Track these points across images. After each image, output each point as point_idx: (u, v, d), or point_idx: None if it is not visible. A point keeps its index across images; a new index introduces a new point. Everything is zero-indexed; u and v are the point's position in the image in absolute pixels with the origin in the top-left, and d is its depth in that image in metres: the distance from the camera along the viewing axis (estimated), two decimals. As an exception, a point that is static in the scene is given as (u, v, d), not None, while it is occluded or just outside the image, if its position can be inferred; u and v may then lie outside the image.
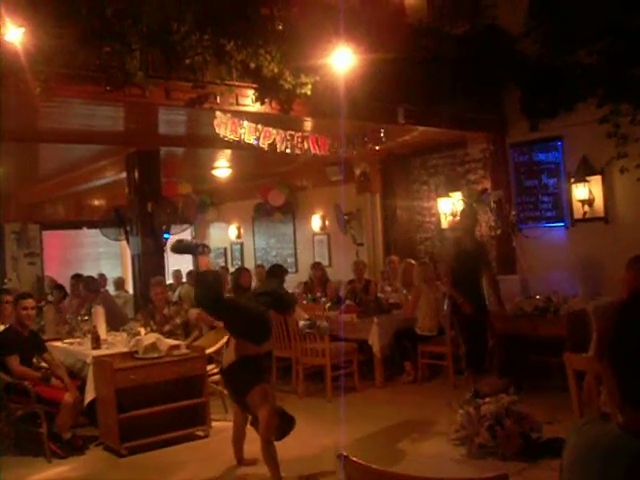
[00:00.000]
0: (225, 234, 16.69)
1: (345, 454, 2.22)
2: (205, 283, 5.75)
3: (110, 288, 14.09)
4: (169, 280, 14.60)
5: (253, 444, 5.92)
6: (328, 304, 10.00)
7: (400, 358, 9.37)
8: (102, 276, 14.39)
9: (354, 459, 2.20)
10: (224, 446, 6.37)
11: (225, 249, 16.92)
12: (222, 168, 12.17)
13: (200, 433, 7.16)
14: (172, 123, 8.75)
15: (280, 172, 13.04)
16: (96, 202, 15.37)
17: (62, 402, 6.83)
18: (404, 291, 9.98)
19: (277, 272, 7.04)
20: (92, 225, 15.39)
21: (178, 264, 16.12)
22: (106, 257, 17.50)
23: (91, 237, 17.11)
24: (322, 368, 8.80)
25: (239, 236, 16.40)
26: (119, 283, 13.96)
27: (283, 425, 5.78)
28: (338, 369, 8.97)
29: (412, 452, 6.03)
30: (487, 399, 2.98)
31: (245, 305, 6.20)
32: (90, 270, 14.64)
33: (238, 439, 6.28)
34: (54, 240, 17.09)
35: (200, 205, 14.54)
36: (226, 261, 16.65)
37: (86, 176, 11.88)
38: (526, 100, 9.94)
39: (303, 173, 13.17)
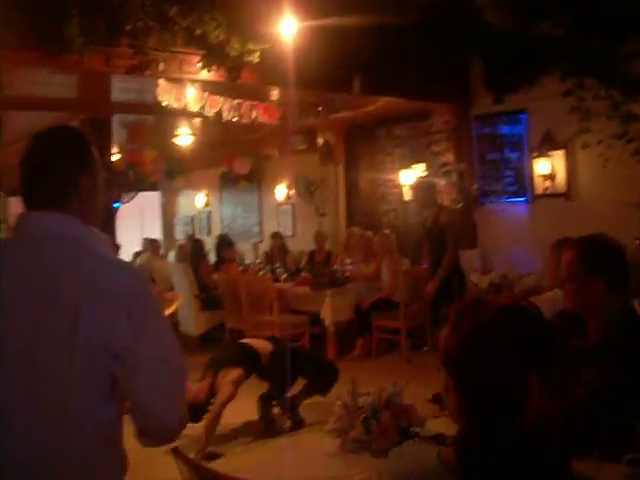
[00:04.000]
0: (193, 202, 16.53)
1: (177, 450, 2.09)
2: None
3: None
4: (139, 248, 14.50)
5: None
6: (284, 275, 9.88)
7: (356, 332, 9.28)
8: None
9: (183, 455, 2.08)
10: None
11: (193, 217, 16.76)
12: (185, 135, 11.95)
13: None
14: (124, 90, 8.53)
15: (246, 140, 12.81)
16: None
17: None
18: (362, 264, 9.86)
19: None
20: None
21: (151, 231, 16.03)
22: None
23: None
24: (272, 340, 8.70)
25: (207, 204, 16.25)
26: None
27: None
28: (289, 342, 8.87)
29: (290, 442, 5.97)
30: (370, 390, 2.84)
31: None
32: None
33: None
34: (15, 210, 16.87)
35: (168, 172, 14.36)
36: (193, 229, 16.51)
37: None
38: (490, 72, 9.78)
39: (269, 142, 12.95)
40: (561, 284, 3.13)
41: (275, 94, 8.71)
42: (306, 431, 6.26)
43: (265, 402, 6.42)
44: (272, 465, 2.60)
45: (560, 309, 3.30)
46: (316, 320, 9.03)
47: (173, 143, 12.44)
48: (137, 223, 16.94)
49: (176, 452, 2.09)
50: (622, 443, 2.37)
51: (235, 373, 5.81)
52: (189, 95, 7.29)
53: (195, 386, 5.84)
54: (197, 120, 10.72)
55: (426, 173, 10.73)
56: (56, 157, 2.04)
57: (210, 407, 5.83)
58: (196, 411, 5.81)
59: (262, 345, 6.29)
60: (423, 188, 8.65)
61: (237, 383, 5.80)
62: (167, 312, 7.84)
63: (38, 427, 1.84)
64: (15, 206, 16.78)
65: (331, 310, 8.77)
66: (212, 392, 5.82)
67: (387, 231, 10.26)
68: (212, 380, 5.81)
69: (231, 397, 5.74)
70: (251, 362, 6.03)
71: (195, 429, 5.86)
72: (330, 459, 2.71)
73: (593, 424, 2.51)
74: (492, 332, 1.45)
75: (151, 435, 1.96)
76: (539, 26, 8.73)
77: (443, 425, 4.06)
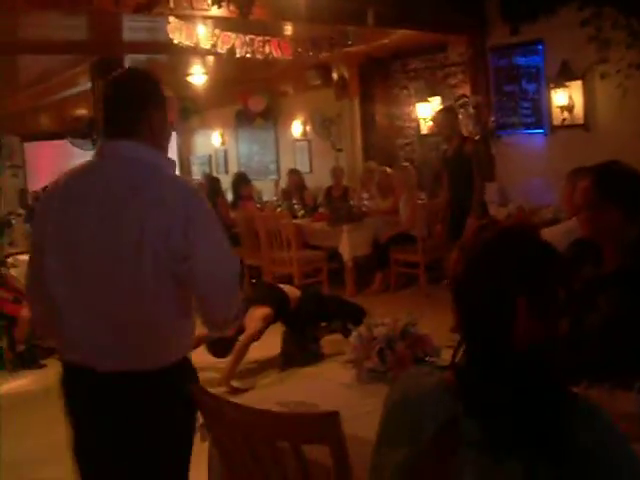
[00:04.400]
0: (209, 141, 16.46)
1: (197, 384, 2.13)
2: None
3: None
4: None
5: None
6: (301, 212, 9.90)
7: (375, 267, 9.32)
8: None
9: (202, 388, 2.12)
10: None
11: (210, 156, 16.72)
12: (198, 74, 11.87)
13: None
14: (135, 29, 8.46)
15: (260, 77, 12.73)
16: (77, 112, 15.07)
17: (19, 316, 6.82)
18: (379, 199, 9.85)
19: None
20: (73, 135, 15.21)
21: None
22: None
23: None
24: (291, 277, 8.76)
25: (223, 143, 16.18)
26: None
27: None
28: (308, 277, 8.95)
29: (307, 374, 6.05)
30: (385, 320, 2.87)
31: None
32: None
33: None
34: (42, 151, 16.88)
35: (183, 112, 14.30)
36: (210, 168, 16.49)
37: (59, 86, 11.69)
38: (506, 2, 9.58)
39: (283, 78, 12.84)
40: (577, 212, 3.11)
41: (287, 29, 8.61)
42: (324, 363, 6.33)
43: (287, 337, 6.52)
44: (286, 396, 2.63)
45: (575, 238, 3.29)
46: (334, 255, 9.07)
47: (187, 82, 12.38)
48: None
49: (196, 387, 2.13)
50: (636, 371, 2.38)
51: (264, 311, 5.93)
52: (200, 32, 7.21)
53: None
54: (210, 58, 10.65)
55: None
56: (131, 95, 2.44)
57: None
58: (224, 346, 5.95)
59: (291, 290, 6.39)
60: (447, 117, 8.41)
61: (265, 320, 5.89)
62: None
63: (118, 322, 2.34)
64: (32, 151, 16.84)
65: (349, 245, 8.80)
66: (241, 328, 5.88)
67: (406, 164, 10.21)
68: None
69: (258, 333, 5.84)
70: (280, 303, 6.13)
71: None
72: (346, 390, 2.75)
73: (607, 351, 2.52)
74: (486, 253, 1.46)
75: (211, 325, 2.47)
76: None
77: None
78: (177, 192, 2.33)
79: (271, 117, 14.26)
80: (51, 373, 6.73)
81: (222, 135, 16.10)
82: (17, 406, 5.78)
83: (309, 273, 9.07)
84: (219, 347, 6.00)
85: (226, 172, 15.84)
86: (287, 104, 14.02)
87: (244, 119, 14.88)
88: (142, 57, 10.06)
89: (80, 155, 17.26)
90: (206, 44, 7.25)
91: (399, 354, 2.71)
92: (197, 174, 16.69)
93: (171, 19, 6.97)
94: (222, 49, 7.37)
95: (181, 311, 2.40)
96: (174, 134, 16.34)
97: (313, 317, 6.48)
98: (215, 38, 7.28)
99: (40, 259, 2.41)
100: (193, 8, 7.02)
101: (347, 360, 2.84)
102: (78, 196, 2.38)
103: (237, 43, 7.45)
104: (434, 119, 9.83)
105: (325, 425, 1.82)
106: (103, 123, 2.46)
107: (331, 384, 2.83)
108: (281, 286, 6.50)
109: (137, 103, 2.44)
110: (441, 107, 9.91)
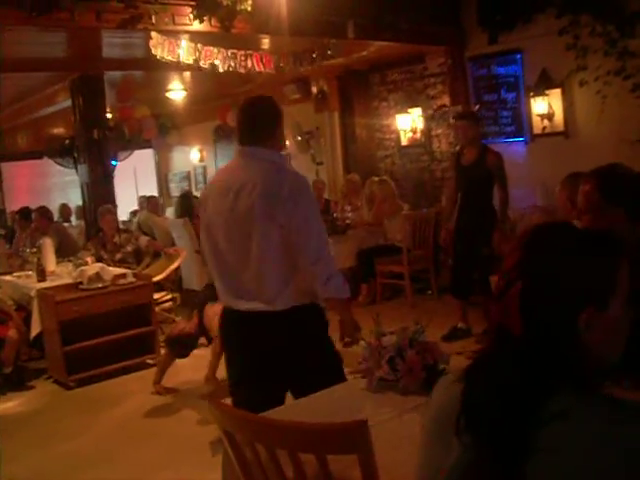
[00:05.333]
0: (188, 157, 16.41)
1: (214, 397, 2.10)
2: None
3: (73, 217, 13.95)
4: (134, 207, 14.45)
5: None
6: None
7: (360, 279, 9.30)
8: (65, 206, 14.19)
9: (220, 402, 2.08)
10: (174, 374, 6.32)
11: (188, 172, 16.67)
12: (177, 90, 11.84)
13: (150, 361, 7.09)
14: (115, 46, 8.41)
15: (238, 92, 12.69)
16: (55, 130, 14.97)
17: (6, 338, 6.73)
18: (366, 210, 9.84)
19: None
20: (51, 154, 15.12)
21: (145, 189, 15.95)
22: (74, 185, 17.14)
23: (57, 166, 16.81)
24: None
25: (202, 159, 16.13)
26: (79, 212, 13.75)
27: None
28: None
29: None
30: (393, 329, 2.85)
31: None
32: (58, 199, 14.51)
33: (165, 365, 6.41)
34: (19, 170, 16.79)
35: (161, 128, 14.24)
36: (189, 184, 16.43)
37: (37, 104, 11.59)
38: (484, 12, 9.62)
39: (261, 93, 12.80)
40: (579, 216, 3.12)
41: (266, 42, 8.60)
42: None
43: None
44: (297, 408, 2.60)
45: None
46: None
47: (165, 99, 12.34)
48: (131, 182, 16.84)
49: (210, 399, 2.10)
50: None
51: (219, 306, 5.84)
52: (182, 47, 7.18)
53: (182, 322, 6.09)
54: (187, 74, 10.61)
55: (422, 117, 10.70)
56: (264, 114, 3.52)
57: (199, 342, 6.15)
58: (184, 346, 6.00)
59: None
60: (469, 123, 7.63)
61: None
62: (172, 267, 7.86)
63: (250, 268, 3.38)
64: (9, 170, 16.69)
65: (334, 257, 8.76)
66: (202, 329, 5.92)
67: (385, 177, 10.22)
68: (199, 317, 5.91)
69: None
70: None
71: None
72: (358, 399, 2.72)
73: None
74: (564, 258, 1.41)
75: (317, 281, 3.36)
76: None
77: (467, 361, 4.12)
78: (287, 180, 3.36)
79: (250, 132, 14.23)
80: (39, 394, 6.71)
81: (201, 151, 16.07)
82: (5, 429, 5.69)
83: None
84: (179, 346, 6.01)
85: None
86: (266, 118, 14.00)
87: (222, 135, 14.86)
88: (117, 74, 10.01)
89: (57, 174, 17.25)
90: (188, 59, 7.21)
91: (409, 362, 2.69)
92: (176, 191, 16.63)
93: (153, 34, 6.94)
94: (204, 64, 7.33)
95: (294, 269, 3.37)
96: (152, 151, 16.35)
97: None
98: (197, 53, 7.25)
99: (210, 232, 3.52)
100: (175, 23, 7.01)
101: (357, 370, 2.81)
102: (231, 185, 3.40)
103: (219, 58, 7.42)
104: (453, 124, 9.31)
105: (355, 434, 1.79)
106: (240, 133, 3.52)
107: (342, 394, 2.80)
108: None
109: (268, 120, 3.52)
110: (461, 111, 9.39)
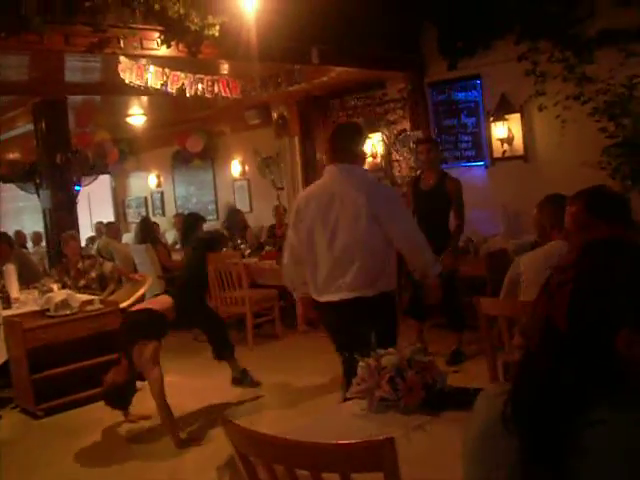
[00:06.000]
0: (145, 183, 16.33)
1: (227, 419, 2.09)
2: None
3: (29, 244, 13.75)
4: (90, 233, 14.30)
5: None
6: (248, 251, 9.87)
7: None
8: (19, 233, 13.97)
9: (234, 423, 2.08)
10: (142, 399, 6.23)
11: (145, 198, 16.58)
12: (137, 115, 11.79)
13: (118, 389, 7.00)
14: (79, 70, 8.36)
15: (198, 118, 12.72)
16: (11, 155, 14.77)
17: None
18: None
19: (193, 223, 6.92)
20: (7, 180, 14.91)
21: (100, 215, 15.80)
22: (28, 211, 16.93)
23: (10, 192, 16.57)
24: (243, 316, 8.70)
25: (159, 185, 16.07)
26: (37, 238, 13.57)
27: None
28: (259, 317, 8.91)
29: (314, 405, 6.06)
30: (390, 349, 2.87)
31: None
32: (12, 225, 14.24)
33: None
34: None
35: (119, 154, 14.16)
36: (147, 210, 16.34)
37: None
38: (444, 38, 9.79)
39: (221, 118, 12.83)
40: (566, 237, 3.19)
41: (227, 68, 8.62)
42: (321, 395, 6.46)
43: (224, 359, 6.62)
44: (301, 431, 2.60)
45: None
46: (283, 294, 9.03)
47: (123, 124, 12.28)
48: (84, 207, 16.68)
49: (225, 421, 2.09)
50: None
51: (150, 348, 5.53)
52: (150, 72, 7.17)
53: (111, 372, 5.71)
54: (146, 99, 10.57)
55: (382, 142, 10.80)
56: (351, 137, 4.51)
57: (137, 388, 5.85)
58: (120, 397, 5.72)
59: (162, 302, 6.07)
60: (430, 147, 7.63)
61: (156, 359, 5.55)
62: (139, 294, 7.78)
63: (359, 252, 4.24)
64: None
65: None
66: (132, 372, 5.65)
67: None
68: (128, 360, 5.61)
69: (161, 378, 5.52)
70: (159, 327, 5.80)
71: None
72: (360, 420, 2.73)
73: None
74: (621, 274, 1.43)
75: (416, 268, 4.57)
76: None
77: (462, 380, 4.18)
78: (378, 187, 4.68)
79: (209, 157, 14.25)
80: (7, 424, 6.57)
81: (158, 177, 16.00)
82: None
83: (261, 312, 9.01)
84: (115, 398, 5.72)
85: (163, 214, 15.72)
86: (225, 144, 14.04)
87: (181, 160, 14.84)
88: (76, 99, 9.90)
89: (10, 199, 17.03)
90: (156, 84, 7.21)
91: (410, 382, 2.71)
92: (132, 217, 16.51)
93: (122, 59, 6.94)
94: (172, 89, 7.34)
95: (389, 259, 4.37)
96: (108, 177, 16.23)
97: (197, 313, 6.52)
98: (165, 78, 7.25)
99: (311, 234, 4.32)
100: (143, 48, 7.01)
101: (356, 391, 2.82)
102: (334, 195, 4.27)
103: (186, 82, 7.44)
104: (414, 149, 9.19)
105: (382, 451, 1.80)
106: (331, 152, 4.45)
107: (343, 416, 2.81)
108: (149, 306, 6.08)
109: (355, 142, 4.51)
110: (421, 136, 9.59)
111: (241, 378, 6.76)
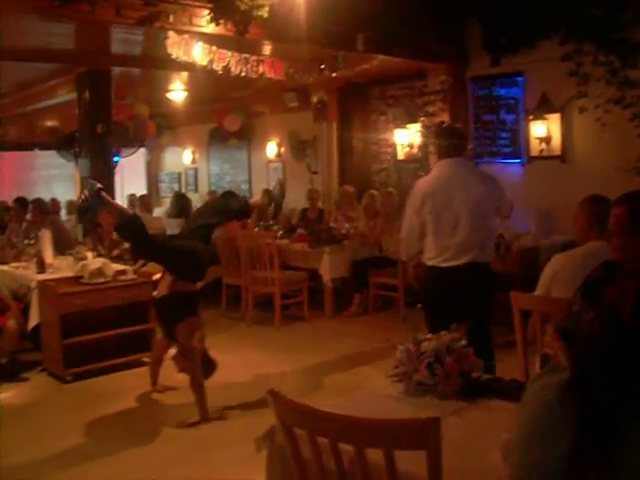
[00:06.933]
0: (180, 159, 16.40)
1: (275, 390, 2.15)
2: (128, 230, 5.65)
3: (63, 212, 13.89)
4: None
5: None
6: (280, 232, 9.93)
7: (353, 289, 9.36)
8: (54, 200, 14.12)
9: (282, 395, 2.14)
10: (169, 371, 6.31)
11: (179, 174, 16.66)
12: (177, 91, 11.86)
13: (146, 359, 7.08)
14: (125, 42, 8.43)
15: (237, 97, 12.74)
16: (49, 123, 14.91)
17: (4, 328, 6.71)
18: (364, 222, 9.86)
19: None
20: (44, 147, 15.04)
21: (132, 188, 15.89)
22: (59, 180, 17.11)
23: (43, 159, 16.72)
24: (271, 296, 8.78)
25: (194, 161, 16.14)
26: (71, 207, 13.71)
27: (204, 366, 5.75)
28: (287, 298, 8.98)
29: (349, 386, 6.12)
30: (429, 335, 2.92)
31: (178, 247, 5.81)
32: (42, 193, 14.32)
33: (156, 362, 6.35)
34: (4, 162, 16.69)
35: (156, 128, 14.25)
36: (180, 186, 16.43)
37: (37, 96, 11.54)
38: (488, 34, 9.77)
39: (260, 99, 12.86)
40: (608, 238, 3.21)
41: (269, 49, 8.60)
42: (360, 379, 6.48)
43: None
44: (338, 409, 2.65)
45: (601, 261, 3.37)
46: (312, 277, 9.12)
47: (161, 98, 12.34)
48: (116, 179, 16.77)
49: (273, 392, 2.15)
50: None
51: (187, 326, 5.60)
52: (197, 48, 7.22)
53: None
54: (186, 75, 10.61)
55: (420, 132, 10.79)
56: (456, 137, 5.51)
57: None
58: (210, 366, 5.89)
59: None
60: (454, 134, 7.64)
61: (194, 333, 5.59)
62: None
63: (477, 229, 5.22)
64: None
65: (329, 267, 8.85)
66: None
67: (390, 189, 10.23)
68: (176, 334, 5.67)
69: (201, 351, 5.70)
70: (189, 304, 5.76)
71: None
72: (397, 403, 2.78)
73: None
74: None
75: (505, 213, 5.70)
76: (539, -12, 8.74)
77: (497, 371, 4.23)
78: (488, 178, 5.46)
79: (245, 137, 14.27)
80: (34, 387, 6.68)
81: (194, 153, 16.06)
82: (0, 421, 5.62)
83: (290, 293, 9.09)
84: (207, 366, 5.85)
85: (196, 190, 15.80)
86: (262, 125, 14.07)
87: (217, 138, 14.87)
88: (116, 71, 9.94)
89: (43, 167, 17.17)
90: (202, 61, 7.26)
91: (448, 368, 2.76)
92: (165, 192, 16.60)
93: (170, 34, 6.98)
94: (218, 67, 7.38)
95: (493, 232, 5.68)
96: (143, 150, 16.33)
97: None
98: (212, 55, 7.30)
99: (439, 215, 5.17)
100: (191, 24, 7.07)
101: (394, 374, 2.88)
102: (458, 182, 5.19)
103: (232, 61, 7.48)
104: (439, 134, 9.08)
105: (427, 431, 1.85)
106: (450, 149, 5.34)
107: (380, 397, 2.86)
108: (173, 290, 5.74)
109: (463, 139, 5.74)
110: (445, 123, 9.74)
111: None
